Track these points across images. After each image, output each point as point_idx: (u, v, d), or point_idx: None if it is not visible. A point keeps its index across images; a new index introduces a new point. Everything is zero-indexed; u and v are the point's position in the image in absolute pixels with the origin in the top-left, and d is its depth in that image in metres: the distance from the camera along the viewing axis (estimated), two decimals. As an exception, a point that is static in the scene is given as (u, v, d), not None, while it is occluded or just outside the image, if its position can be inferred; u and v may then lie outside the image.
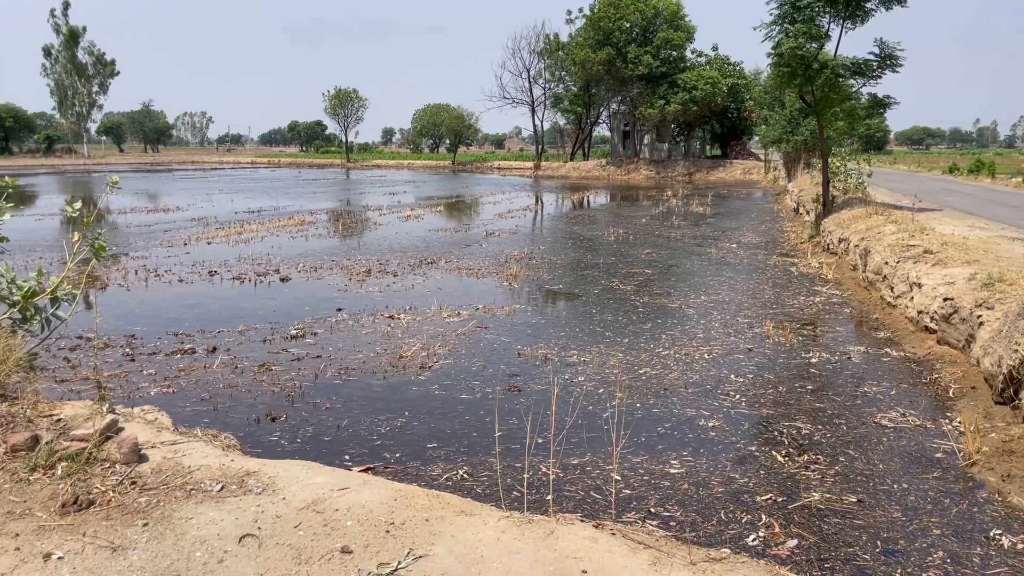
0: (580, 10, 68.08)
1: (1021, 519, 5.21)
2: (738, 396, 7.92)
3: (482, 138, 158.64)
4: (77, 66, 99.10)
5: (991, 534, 5.00)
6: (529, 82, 77.22)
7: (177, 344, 9.77)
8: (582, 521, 4.08)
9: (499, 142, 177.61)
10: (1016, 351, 7.12)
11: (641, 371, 8.77)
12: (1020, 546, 4.83)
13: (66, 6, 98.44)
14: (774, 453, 6.40)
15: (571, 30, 70.32)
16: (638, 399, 7.78)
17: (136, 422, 5.11)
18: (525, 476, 5.28)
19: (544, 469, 5.79)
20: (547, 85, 77.35)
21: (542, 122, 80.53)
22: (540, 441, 6.12)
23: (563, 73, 73.70)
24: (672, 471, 6.02)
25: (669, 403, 7.68)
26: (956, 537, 4.99)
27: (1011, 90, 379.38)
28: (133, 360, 9.05)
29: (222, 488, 4.04)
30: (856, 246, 15.00)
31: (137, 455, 4.32)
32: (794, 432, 6.91)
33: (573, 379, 8.38)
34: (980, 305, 8.67)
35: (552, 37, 74.02)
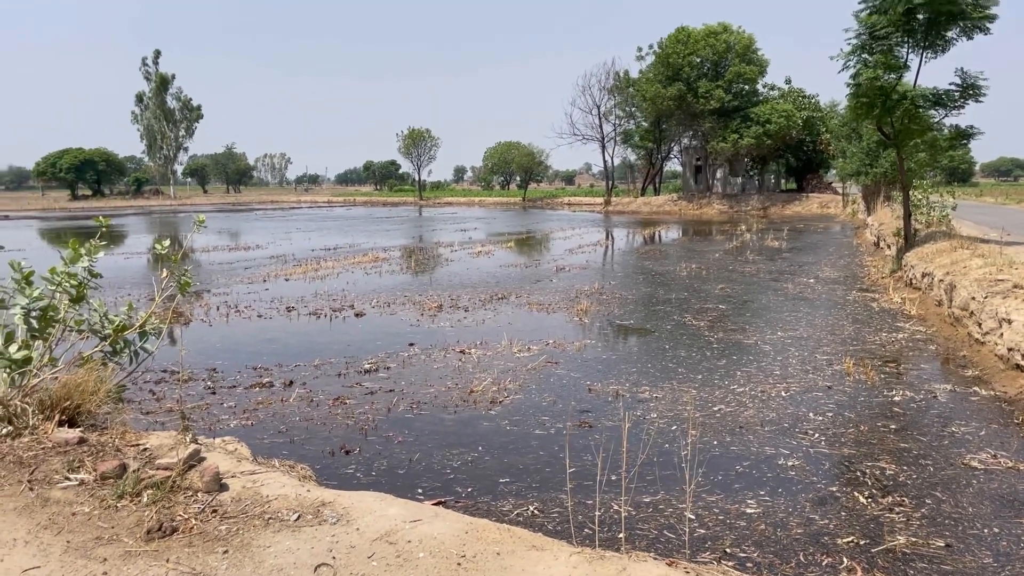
0: (650, 46, 68.41)
1: None
2: (817, 435, 7.69)
3: (552, 174, 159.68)
4: (166, 112, 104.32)
5: (1095, 585, 4.70)
6: (599, 119, 77.71)
7: (256, 378, 10.04)
8: (655, 559, 4.00)
9: (569, 178, 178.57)
10: (1118, 390, 6.74)
11: (715, 408, 8.61)
12: None
13: (157, 54, 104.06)
14: (856, 494, 6.17)
15: (641, 66, 70.63)
16: (712, 436, 7.62)
17: (217, 452, 5.26)
18: (596, 513, 5.22)
19: (616, 506, 5.71)
20: (617, 121, 77.74)
21: (612, 158, 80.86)
22: (612, 478, 6.05)
23: (633, 109, 73.90)
24: (748, 511, 5.86)
25: (745, 441, 7.50)
26: (1056, 587, 4.70)
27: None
28: (214, 393, 9.34)
29: (298, 518, 4.12)
30: (940, 281, 14.46)
31: (218, 484, 4.45)
32: (877, 473, 6.66)
33: (645, 416, 8.28)
34: (1077, 342, 8.25)
35: (622, 74, 74.48)
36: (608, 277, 21.20)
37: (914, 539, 5.35)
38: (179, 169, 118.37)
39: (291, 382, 9.77)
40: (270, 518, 4.11)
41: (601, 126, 77.88)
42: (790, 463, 6.90)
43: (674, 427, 7.86)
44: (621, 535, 5.00)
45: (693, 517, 5.68)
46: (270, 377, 10.05)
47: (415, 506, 4.50)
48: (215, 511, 4.16)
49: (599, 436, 7.56)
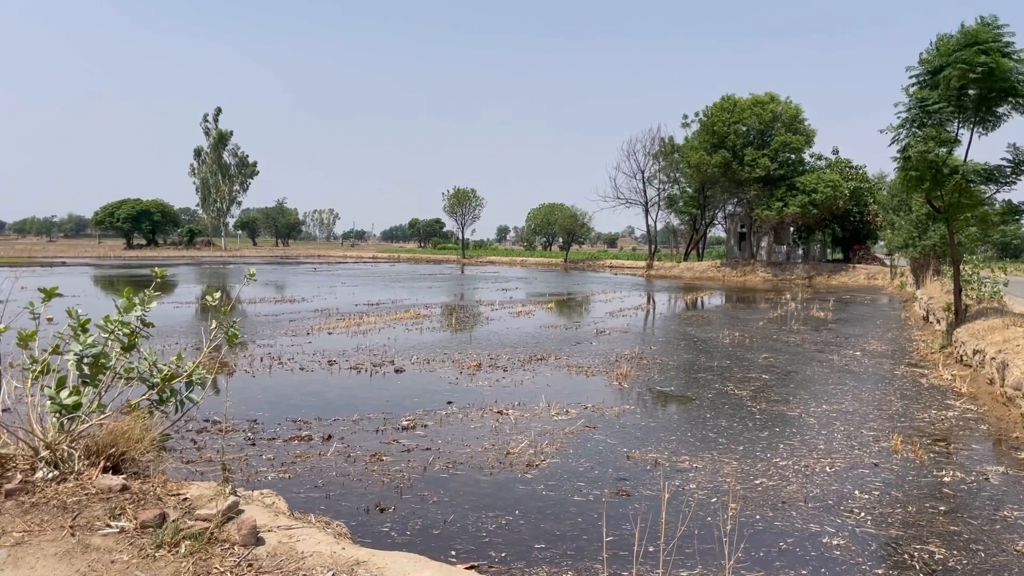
0: (696, 114, 69.11)
1: None
2: (863, 514, 7.45)
3: (595, 236, 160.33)
4: (222, 166, 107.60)
5: None
6: (643, 183, 78.18)
7: (295, 431, 10.11)
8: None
9: (611, 241, 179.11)
10: None
11: (757, 481, 8.41)
12: None
13: (218, 112, 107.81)
14: (904, 579, 5.95)
15: (686, 133, 71.22)
16: (754, 511, 7.44)
17: (255, 505, 5.29)
18: (633, 585, 5.11)
19: (653, 579, 5.58)
20: (661, 186, 78.10)
21: (655, 222, 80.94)
22: (649, 549, 5.92)
23: (677, 175, 74.29)
24: (790, 591, 5.68)
25: (788, 517, 7.30)
26: None
27: None
28: (254, 444, 9.42)
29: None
30: (993, 359, 14.08)
31: (255, 538, 4.46)
32: (926, 556, 6.41)
33: (684, 486, 8.12)
34: None
35: (667, 140, 75.11)
36: (649, 342, 21.04)
37: (965, 630, 5.12)
38: (231, 221, 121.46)
39: (330, 436, 9.81)
40: (304, 575, 4.10)
41: (645, 190, 78.38)
42: (835, 542, 6.69)
43: (714, 499, 7.70)
44: (658, 610, 4.88)
45: (732, 595, 5.52)
46: (309, 431, 10.10)
47: (449, 569, 4.46)
48: (251, 565, 4.17)
49: (638, 505, 7.43)
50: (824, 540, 6.73)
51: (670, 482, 8.17)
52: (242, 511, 4.82)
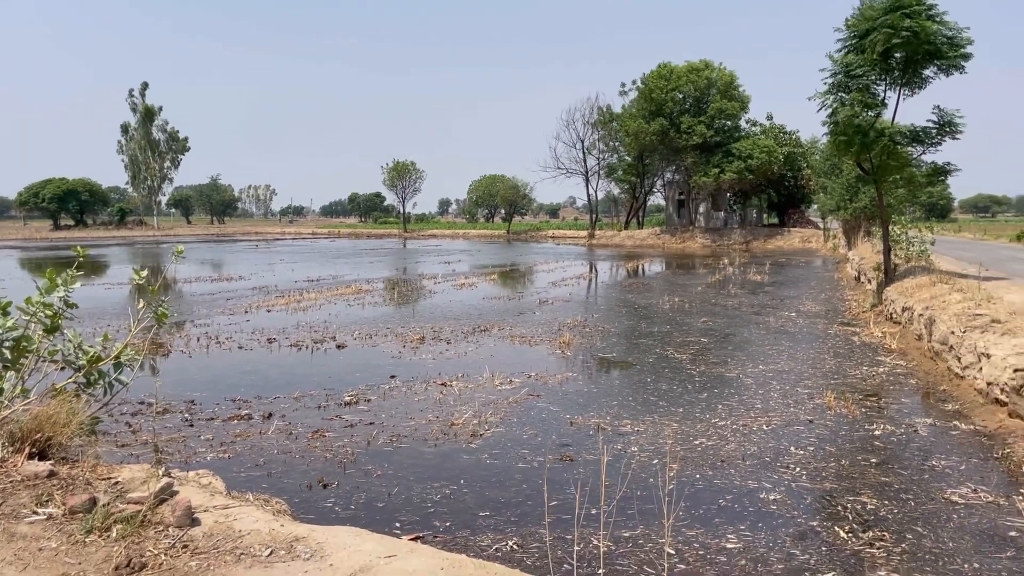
0: (633, 82, 69.50)
1: (1108, 606, 4.87)
2: (799, 469, 7.67)
3: (536, 208, 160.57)
4: (151, 143, 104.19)
5: (1075, 621, 4.68)
6: (583, 153, 78.47)
7: (234, 410, 9.93)
8: (634, 596, 3.95)
9: (553, 211, 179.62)
10: (1095, 425, 6.78)
11: (696, 442, 8.58)
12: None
13: (144, 86, 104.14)
14: (837, 529, 6.14)
15: (624, 102, 71.58)
16: (694, 470, 7.59)
17: (190, 486, 5.17)
18: (575, 548, 5.16)
19: (595, 541, 5.65)
20: (601, 155, 78.51)
21: (596, 191, 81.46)
22: (592, 512, 5.99)
23: (616, 143, 74.70)
24: (729, 546, 5.81)
25: (726, 475, 7.47)
26: (1036, 624, 4.68)
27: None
28: (191, 425, 9.22)
29: (271, 553, 4.04)
30: (920, 315, 14.58)
31: (190, 518, 4.36)
32: (858, 507, 6.63)
33: (626, 449, 8.23)
34: (1054, 376, 8.31)
35: (605, 109, 75.37)
36: (591, 310, 21.22)
37: (895, 574, 5.32)
38: (163, 200, 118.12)
39: (270, 414, 9.66)
40: (242, 554, 4.03)
41: (585, 160, 78.68)
42: (771, 497, 6.87)
43: (655, 461, 7.82)
44: (600, 571, 4.94)
45: (673, 552, 5.63)
46: (249, 409, 9.93)
47: (391, 541, 4.44)
48: (186, 546, 4.08)
49: (580, 470, 7.51)
50: (761, 496, 6.91)
51: (612, 446, 8.27)
52: (176, 492, 4.71)
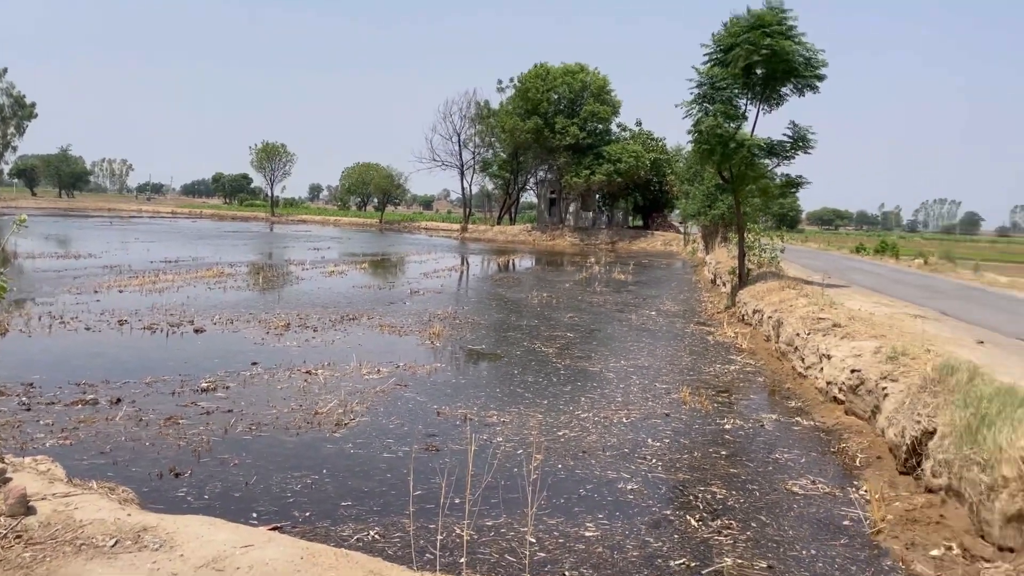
0: (511, 79, 70.04)
1: (922, 585, 5.34)
2: (655, 460, 7.98)
3: (410, 198, 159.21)
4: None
5: (894, 600, 5.10)
6: (459, 146, 78.46)
7: (79, 394, 9.30)
8: (495, 582, 3.99)
9: (427, 203, 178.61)
10: (918, 423, 7.40)
11: (560, 433, 8.77)
12: (922, 612, 4.93)
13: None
14: (689, 518, 6.43)
15: (501, 98, 72.06)
16: (556, 461, 7.75)
17: (26, 472, 4.80)
18: (438, 537, 5.16)
19: (458, 531, 5.68)
20: (476, 150, 78.74)
21: (470, 185, 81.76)
22: (456, 502, 6.00)
23: (492, 139, 75.14)
24: (588, 534, 5.98)
25: (587, 465, 7.67)
26: (862, 602, 5.07)
27: (912, 179, 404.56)
28: (29, 409, 8.57)
29: (116, 544, 3.81)
30: (769, 318, 15.48)
31: (25, 507, 4.05)
32: (708, 497, 6.98)
33: (492, 440, 8.30)
34: (885, 377, 9.02)
35: (483, 104, 75.64)
36: (462, 302, 21.28)
37: (740, 561, 5.62)
38: (6, 168, 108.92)
39: (119, 400, 9.11)
40: (83, 544, 3.78)
41: (460, 154, 78.69)
42: (629, 487, 7.11)
43: (520, 451, 7.93)
44: (462, 559, 4.96)
45: (534, 540, 5.73)
46: (95, 394, 9.33)
47: (247, 531, 4.29)
48: (19, 537, 3.79)
49: (447, 460, 7.51)
50: (620, 486, 7.14)
51: (479, 436, 8.32)
52: (10, 479, 4.36)
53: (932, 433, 7.08)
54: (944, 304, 17.09)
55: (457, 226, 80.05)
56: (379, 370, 11.52)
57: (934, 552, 5.74)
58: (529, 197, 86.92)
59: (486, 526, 5.96)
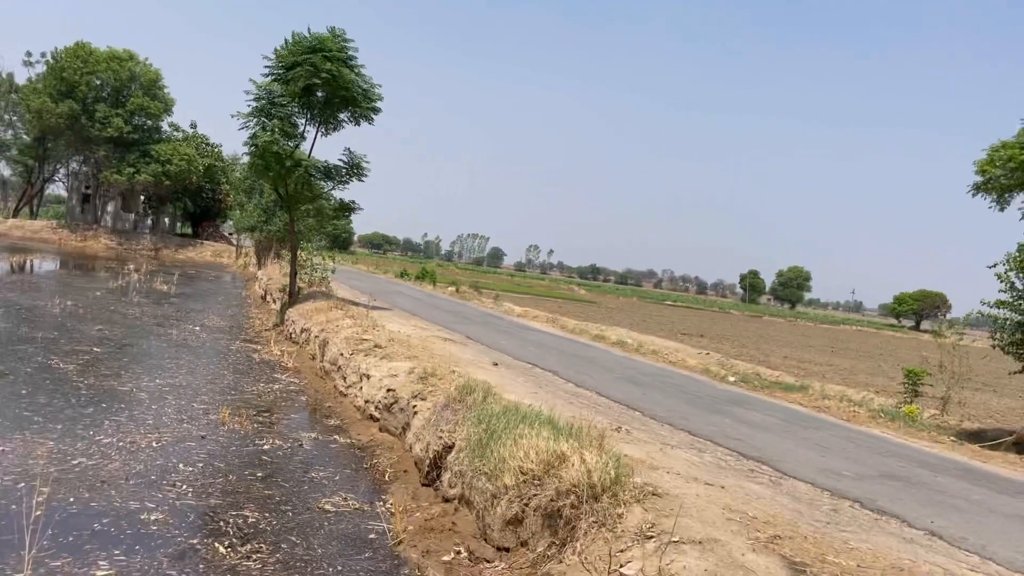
0: (43, 54, 61.15)
1: (434, 588, 5.87)
2: (185, 486, 7.54)
3: None
4: None
5: (409, 605, 5.52)
6: (-35, 120, 65.76)
7: None
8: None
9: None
10: (440, 438, 8.17)
11: (75, 461, 7.81)
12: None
13: None
14: (217, 545, 6.20)
15: (30, 73, 62.49)
16: (69, 493, 6.88)
17: None
18: None
19: (-73, 587, 4.71)
20: (-9, 127, 66.81)
21: (-22, 168, 68.90)
22: (-74, 552, 4.98)
23: (14, 118, 64.65)
24: (99, 574, 5.41)
25: (106, 496, 6.95)
26: (381, 612, 5.39)
27: (451, 213, 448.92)
28: None
29: None
30: (316, 337, 15.78)
31: None
32: (240, 521, 6.81)
33: (-16, 473, 7.06)
34: (416, 396, 9.78)
35: (4, 75, 64.76)
36: (-44, 307, 17.80)
37: (267, 583, 5.58)
38: None
39: None
40: None
41: (-32, 129, 66.03)
42: (153, 517, 6.61)
43: (22, 484, 6.87)
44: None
45: (31, 588, 5.00)
46: None
47: None
48: None
49: (-85, 501, 6.18)
50: (143, 516, 6.61)
51: (-35, 470, 7.01)
52: None
53: (451, 447, 7.88)
54: (469, 329, 19.19)
55: (-44, 215, 66.90)
56: None
57: (445, 557, 6.36)
58: (58, 190, 76.43)
59: (-33, 578, 5.04)
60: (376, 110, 20.06)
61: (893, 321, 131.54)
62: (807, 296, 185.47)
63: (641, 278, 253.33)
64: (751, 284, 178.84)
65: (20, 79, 64.20)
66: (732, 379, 15.97)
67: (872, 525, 6.21)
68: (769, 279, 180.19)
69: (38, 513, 5.93)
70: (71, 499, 6.77)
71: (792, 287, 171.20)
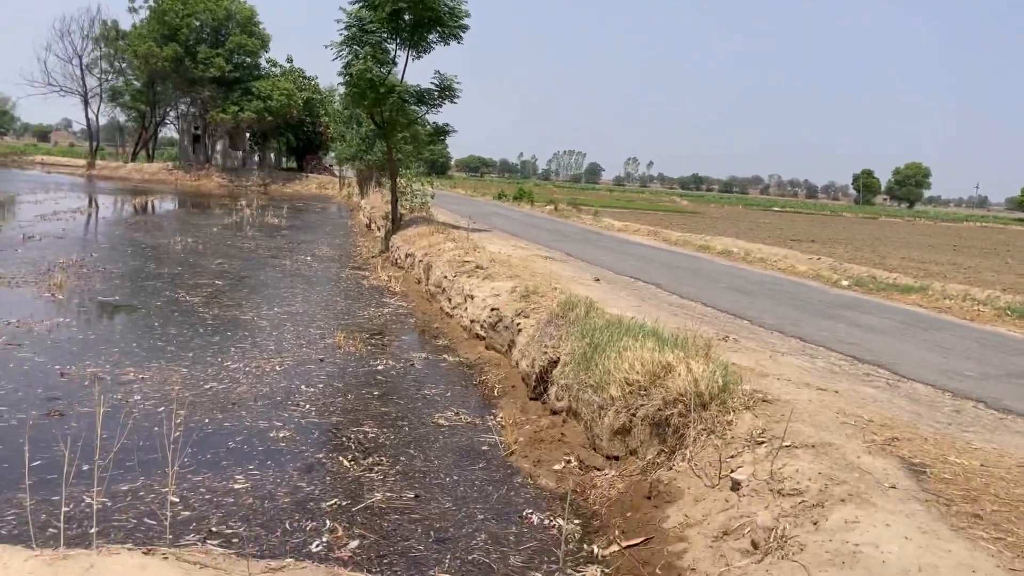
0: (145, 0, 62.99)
1: (547, 498, 6.06)
2: (308, 406, 7.97)
3: (21, 128, 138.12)
4: None
5: (524, 513, 5.72)
6: (81, 70, 68.83)
7: None
8: (130, 549, 3.73)
9: (43, 134, 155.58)
10: (545, 353, 8.28)
11: (207, 386, 8.35)
12: (546, 522, 5.60)
13: None
14: (341, 459, 6.56)
15: (135, 19, 64.58)
16: (203, 415, 7.39)
17: None
18: (62, 509, 4.67)
19: (88, 499, 5.19)
20: (104, 76, 69.81)
21: (97, 116, 72.40)
22: (84, 468, 5.47)
23: (124, 65, 67.27)
24: (237, 487, 5.83)
25: (237, 417, 7.43)
26: (496, 519, 5.62)
27: (547, 131, 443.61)
28: None
29: None
30: (420, 261, 16.13)
31: None
32: (360, 436, 7.17)
33: (127, 399, 7.65)
34: (519, 314, 9.91)
35: (110, 24, 67.18)
36: (91, 249, 19.07)
37: (389, 494, 5.89)
38: None
39: None
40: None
41: (84, 79, 69.13)
42: (281, 435, 7.04)
43: (161, 409, 7.42)
44: (93, 530, 4.56)
45: (177, 500, 5.44)
46: None
47: None
48: None
49: (74, 424, 6.78)
50: (272, 434, 7.04)
51: (112, 396, 7.62)
52: None
53: (556, 362, 7.98)
54: (569, 246, 19.18)
55: (82, 162, 70.70)
56: (-16, 328, 9.95)
57: (556, 466, 6.53)
58: (170, 132, 79.70)
59: (121, 491, 5.53)
60: (464, 27, 19.83)
61: (1022, 215, 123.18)
62: (926, 194, 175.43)
63: (747, 185, 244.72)
64: (865, 184, 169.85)
65: (124, 25, 66.42)
66: (845, 283, 15.45)
67: (997, 425, 5.98)
68: (885, 178, 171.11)
69: (177, 434, 6.40)
70: (206, 420, 7.27)
71: (910, 185, 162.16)
